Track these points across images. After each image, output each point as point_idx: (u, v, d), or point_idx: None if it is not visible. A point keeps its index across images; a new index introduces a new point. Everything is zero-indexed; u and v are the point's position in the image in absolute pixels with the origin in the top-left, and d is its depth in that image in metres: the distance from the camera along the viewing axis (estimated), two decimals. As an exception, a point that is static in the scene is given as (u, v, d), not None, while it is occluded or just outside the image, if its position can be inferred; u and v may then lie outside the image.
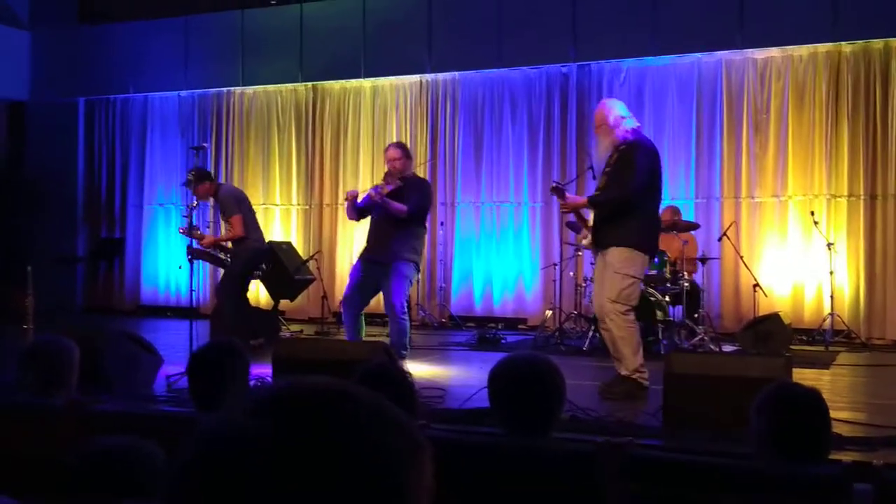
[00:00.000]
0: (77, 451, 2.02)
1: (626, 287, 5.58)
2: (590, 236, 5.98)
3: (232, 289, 7.87)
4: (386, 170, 7.03)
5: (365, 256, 6.93)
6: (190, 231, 7.46)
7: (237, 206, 7.84)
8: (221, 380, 3.11)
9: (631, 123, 5.81)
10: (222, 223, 7.94)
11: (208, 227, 11.91)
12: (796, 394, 2.69)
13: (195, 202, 7.82)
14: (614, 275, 5.58)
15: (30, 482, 2.61)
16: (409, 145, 11.27)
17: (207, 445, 0.77)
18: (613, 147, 5.75)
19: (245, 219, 7.87)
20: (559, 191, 6.08)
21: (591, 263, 8.87)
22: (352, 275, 7.05)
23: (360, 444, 0.77)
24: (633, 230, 5.62)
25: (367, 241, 7.01)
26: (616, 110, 5.82)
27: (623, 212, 5.65)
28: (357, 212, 6.99)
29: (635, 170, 5.60)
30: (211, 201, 8.10)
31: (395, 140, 11.36)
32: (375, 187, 6.93)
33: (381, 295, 7.17)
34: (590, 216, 6.02)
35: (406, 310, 6.84)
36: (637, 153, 5.65)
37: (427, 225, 7.19)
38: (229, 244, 8.01)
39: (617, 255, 5.60)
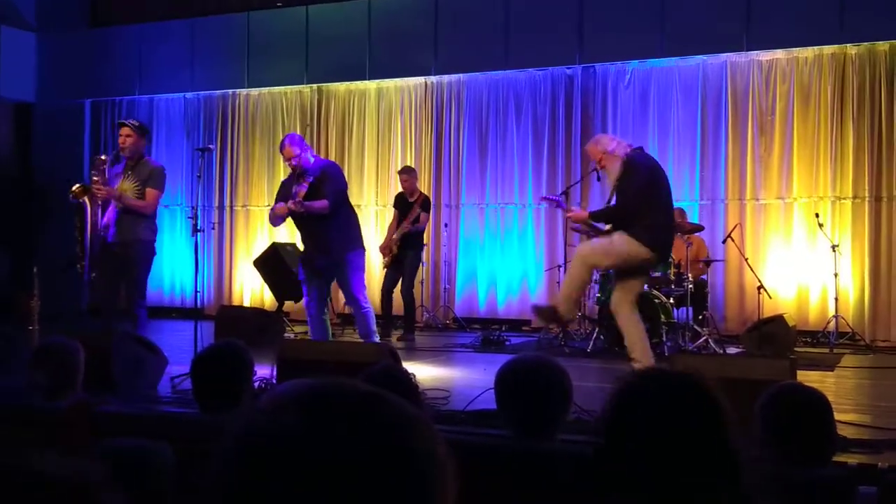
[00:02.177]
0: (88, 453, 2.03)
1: (610, 257, 6.16)
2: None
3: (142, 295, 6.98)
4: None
5: (308, 261, 6.74)
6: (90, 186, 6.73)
7: (163, 184, 7.10)
8: (225, 381, 3.12)
9: (624, 144, 6.32)
10: (126, 188, 6.81)
11: (214, 228, 11.93)
12: (800, 395, 2.68)
13: (103, 158, 6.98)
14: (609, 246, 6.12)
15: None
16: (413, 147, 11.35)
17: (245, 442, 0.80)
18: (622, 164, 6.18)
19: (158, 201, 7.07)
20: (552, 201, 6.84)
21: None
22: (302, 281, 6.83)
23: (386, 445, 0.79)
24: (643, 231, 6.05)
25: (304, 244, 6.86)
26: (608, 140, 6.41)
27: (630, 220, 6.08)
28: (283, 218, 6.82)
29: (635, 184, 6.08)
30: (127, 161, 6.89)
31: (399, 142, 11.41)
32: (293, 190, 6.61)
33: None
34: (604, 226, 6.47)
35: (367, 298, 6.79)
36: (637, 169, 6.13)
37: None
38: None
39: (619, 236, 6.10)
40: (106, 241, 6.78)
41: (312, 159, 6.75)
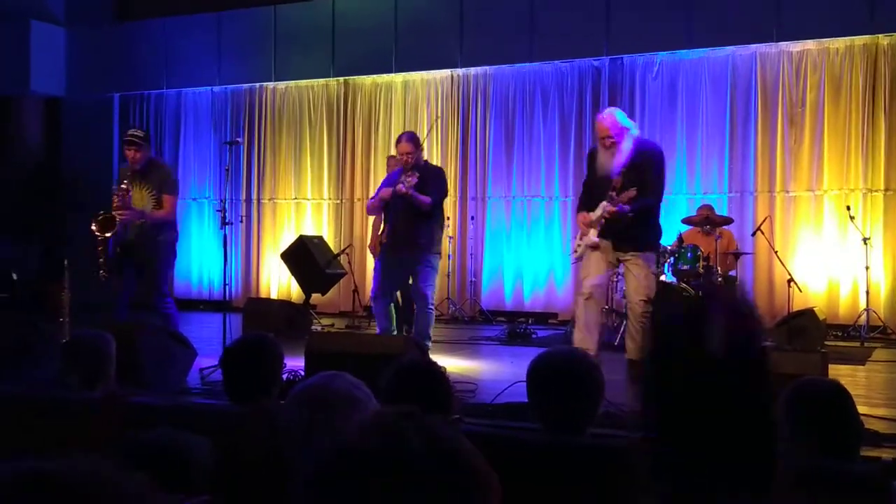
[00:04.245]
0: (124, 444, 2.04)
1: (655, 285, 6.18)
2: (592, 235, 6.03)
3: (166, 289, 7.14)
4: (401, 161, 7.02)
5: (390, 251, 6.89)
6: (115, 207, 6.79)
7: (178, 187, 7.23)
8: (255, 372, 3.13)
9: (634, 125, 6.19)
10: (141, 195, 6.88)
11: (241, 221, 11.99)
12: (819, 389, 2.67)
13: (124, 186, 6.90)
14: (652, 277, 6.07)
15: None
16: (440, 140, 11.34)
17: (339, 457, 1.05)
18: (635, 150, 5.96)
19: (176, 204, 7.20)
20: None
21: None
22: (377, 269, 7.03)
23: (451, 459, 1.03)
24: (651, 235, 6.12)
25: (391, 235, 6.96)
26: (625, 118, 6.15)
27: (642, 217, 5.97)
28: (381, 206, 7.07)
29: (662, 178, 6.02)
30: (129, 172, 6.94)
31: (425, 135, 11.40)
32: (396, 176, 6.94)
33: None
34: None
35: (432, 303, 6.91)
36: (662, 162, 6.06)
37: (447, 215, 7.31)
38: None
39: (648, 260, 6.06)
40: (122, 241, 6.88)
41: (423, 159, 7.10)
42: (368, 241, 9.74)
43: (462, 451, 1.04)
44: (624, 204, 5.83)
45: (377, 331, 6.97)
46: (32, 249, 12.67)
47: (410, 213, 6.74)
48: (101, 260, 6.81)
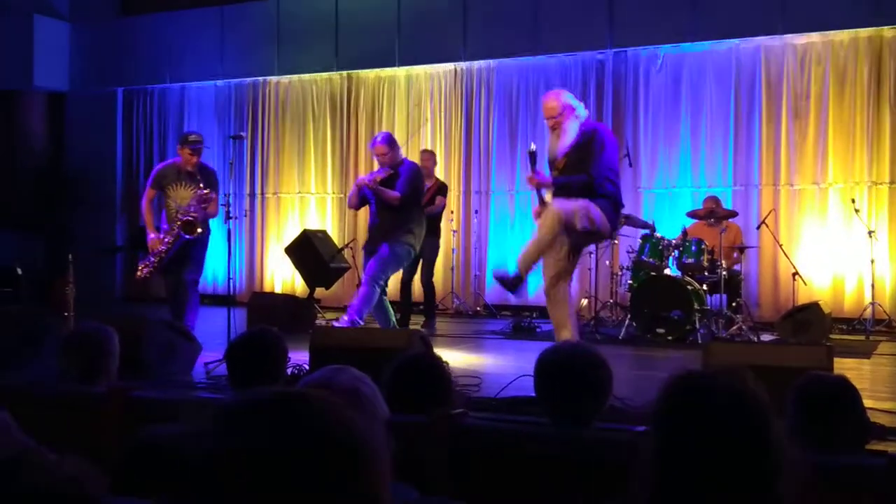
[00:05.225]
0: (130, 440, 2.04)
1: (585, 220, 5.83)
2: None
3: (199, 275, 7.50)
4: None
5: (368, 248, 7.25)
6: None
7: (218, 190, 7.43)
8: (259, 367, 3.13)
9: (583, 108, 6.01)
10: (186, 194, 7.11)
11: (245, 215, 11.99)
12: (823, 383, 2.66)
13: (207, 192, 7.12)
14: (586, 211, 5.74)
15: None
16: (443, 134, 11.33)
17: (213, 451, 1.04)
18: (581, 132, 5.84)
19: None
20: (533, 157, 6.05)
21: (628, 251, 8.83)
22: (365, 263, 7.34)
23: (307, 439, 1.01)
24: (611, 208, 5.84)
25: (369, 232, 7.34)
26: (572, 99, 5.97)
27: (586, 196, 5.76)
28: (358, 200, 7.32)
29: (602, 157, 5.77)
30: (174, 171, 7.24)
31: (429, 129, 11.39)
32: (370, 175, 7.31)
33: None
34: (546, 195, 6.04)
35: (376, 282, 6.97)
36: (606, 141, 5.84)
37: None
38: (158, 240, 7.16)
39: (591, 204, 5.76)
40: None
41: (401, 158, 7.29)
42: None
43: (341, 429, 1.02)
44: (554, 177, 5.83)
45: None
46: (36, 244, 12.69)
47: (381, 206, 7.10)
48: (158, 259, 7.09)
